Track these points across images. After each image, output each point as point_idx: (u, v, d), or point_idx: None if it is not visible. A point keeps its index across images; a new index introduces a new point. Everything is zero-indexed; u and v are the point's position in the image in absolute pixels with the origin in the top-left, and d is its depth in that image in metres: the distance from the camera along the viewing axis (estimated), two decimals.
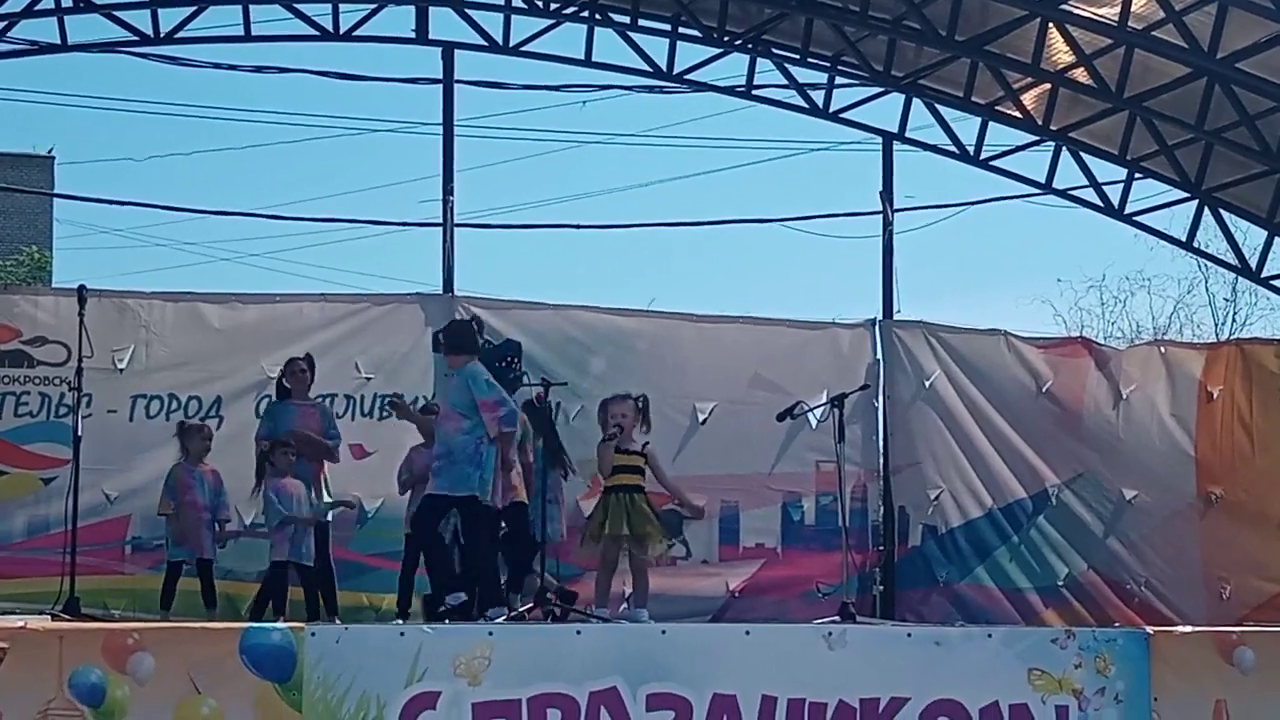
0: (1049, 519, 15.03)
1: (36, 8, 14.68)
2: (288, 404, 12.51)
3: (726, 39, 15.96)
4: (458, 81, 15.22)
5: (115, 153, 49.21)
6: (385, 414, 13.30)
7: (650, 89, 16.56)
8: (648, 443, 11.68)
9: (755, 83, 16.46)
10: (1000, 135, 16.54)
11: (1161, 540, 15.19)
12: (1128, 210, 16.78)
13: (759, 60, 16.27)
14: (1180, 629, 12.00)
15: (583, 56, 16.08)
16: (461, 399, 11.05)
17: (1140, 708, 10.64)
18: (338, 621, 11.60)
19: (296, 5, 15.32)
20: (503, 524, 11.61)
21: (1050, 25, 14.43)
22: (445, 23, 15.62)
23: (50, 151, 35.99)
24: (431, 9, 15.48)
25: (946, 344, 15.12)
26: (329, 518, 12.44)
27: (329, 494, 12.47)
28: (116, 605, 12.47)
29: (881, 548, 14.95)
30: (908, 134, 16.41)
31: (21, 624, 9.38)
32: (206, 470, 12.27)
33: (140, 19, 15.03)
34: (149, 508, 12.71)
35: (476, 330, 11.76)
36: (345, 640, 9.52)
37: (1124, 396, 15.33)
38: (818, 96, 16.47)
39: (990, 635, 10.87)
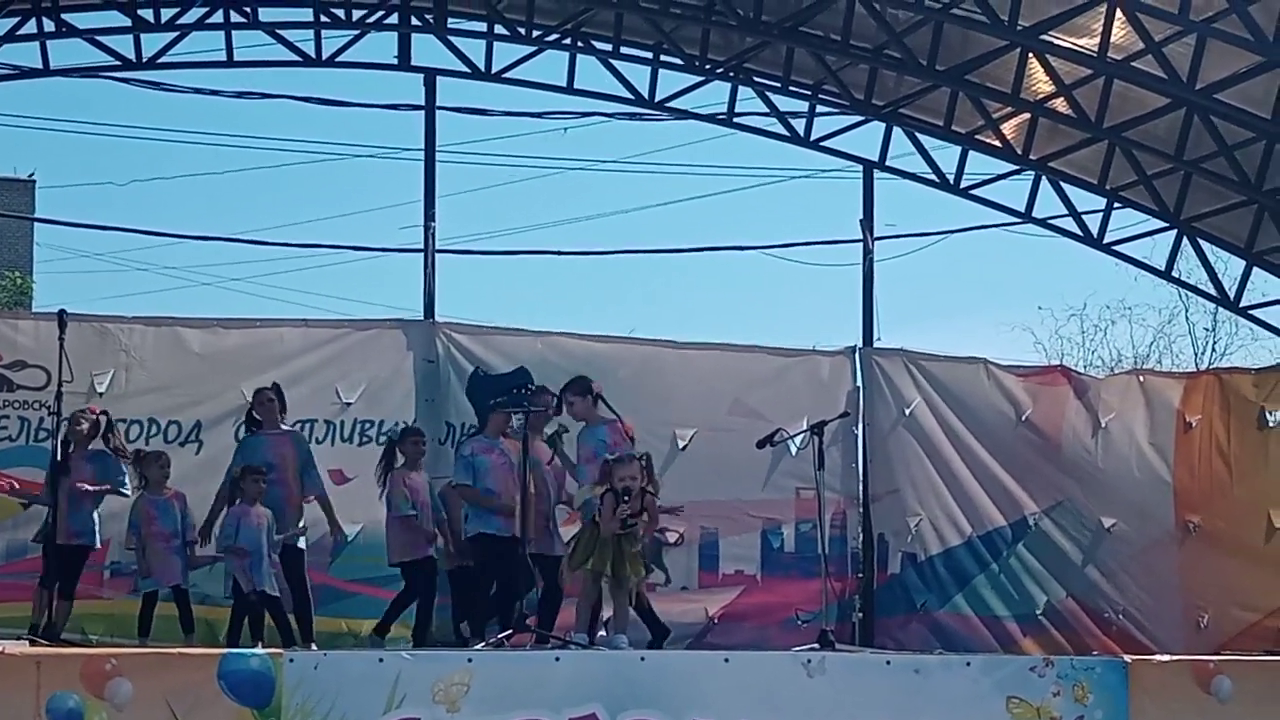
0: (1028, 547, 15.06)
1: (18, 33, 14.70)
2: (260, 435, 12.48)
3: (708, 67, 16.02)
4: (440, 108, 15.26)
5: (97, 177, 49.12)
6: (365, 440, 13.29)
7: (632, 116, 16.63)
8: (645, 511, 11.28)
9: (736, 110, 16.55)
10: (980, 164, 16.66)
11: (1140, 569, 15.22)
12: (1107, 239, 16.85)
13: (740, 88, 16.36)
14: (1158, 658, 11.96)
15: (565, 83, 16.14)
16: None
17: None
18: (314, 647, 11.56)
19: (279, 31, 15.36)
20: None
21: (1030, 55, 14.51)
22: (427, 49, 15.70)
23: (31, 175, 35.90)
24: (414, 35, 15.54)
25: (926, 372, 15.16)
26: (302, 544, 12.35)
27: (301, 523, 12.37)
28: (95, 630, 12.38)
29: (861, 575, 14.96)
30: (888, 162, 16.49)
31: None
32: (170, 496, 12.10)
33: (123, 44, 15.10)
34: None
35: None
36: (324, 666, 9.48)
37: (1103, 425, 15.37)
38: (799, 125, 16.54)
39: (969, 663, 10.84)
